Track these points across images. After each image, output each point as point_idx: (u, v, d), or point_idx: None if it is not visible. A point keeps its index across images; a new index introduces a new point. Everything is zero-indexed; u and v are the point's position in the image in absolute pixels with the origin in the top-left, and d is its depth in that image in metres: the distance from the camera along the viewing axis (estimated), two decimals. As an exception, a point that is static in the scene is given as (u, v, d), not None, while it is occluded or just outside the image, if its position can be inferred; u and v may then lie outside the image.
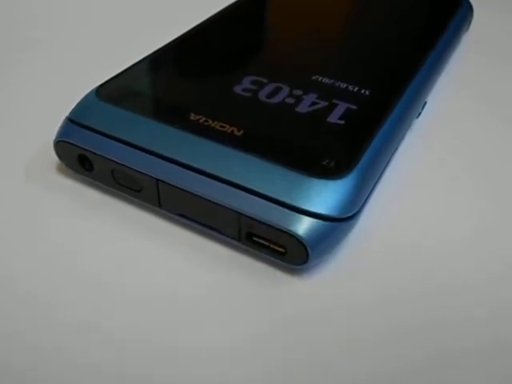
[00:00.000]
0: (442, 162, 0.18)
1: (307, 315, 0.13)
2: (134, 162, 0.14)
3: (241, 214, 0.13)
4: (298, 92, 0.16)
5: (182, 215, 0.14)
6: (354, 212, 0.13)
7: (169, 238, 0.15)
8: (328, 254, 0.14)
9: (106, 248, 0.14)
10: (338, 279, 0.14)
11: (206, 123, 0.15)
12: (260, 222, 0.13)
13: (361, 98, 0.16)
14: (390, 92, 0.17)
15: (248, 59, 0.19)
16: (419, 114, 0.18)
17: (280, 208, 0.13)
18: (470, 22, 0.24)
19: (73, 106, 0.16)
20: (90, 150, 0.15)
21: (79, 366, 0.12)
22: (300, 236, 0.13)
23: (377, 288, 0.14)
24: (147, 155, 0.14)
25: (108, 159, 0.14)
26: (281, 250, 0.13)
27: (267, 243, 0.13)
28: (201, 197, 0.13)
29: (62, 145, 0.15)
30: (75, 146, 0.15)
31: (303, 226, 0.13)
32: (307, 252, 0.13)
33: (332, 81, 0.17)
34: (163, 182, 0.14)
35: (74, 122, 0.15)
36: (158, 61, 0.18)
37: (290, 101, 0.16)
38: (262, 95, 0.16)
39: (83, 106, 0.15)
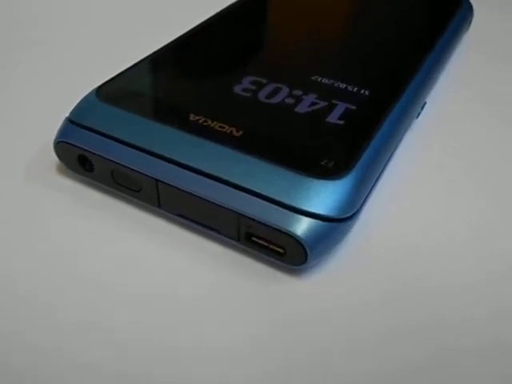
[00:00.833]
0: (442, 163, 0.18)
1: (306, 315, 0.13)
2: (134, 163, 0.14)
3: (240, 214, 0.13)
4: (298, 92, 0.16)
5: (181, 215, 0.14)
6: (352, 212, 0.13)
7: (169, 238, 0.15)
8: (327, 254, 0.14)
9: (106, 248, 0.14)
10: (337, 279, 0.14)
11: (205, 123, 0.15)
12: (259, 222, 0.13)
13: (360, 99, 0.16)
14: (389, 92, 0.17)
15: (248, 59, 0.19)
16: (419, 114, 0.18)
17: (279, 208, 0.13)
18: (470, 22, 0.24)
19: (73, 106, 0.16)
20: (90, 150, 0.15)
21: (79, 366, 0.12)
22: (298, 236, 0.13)
23: (376, 288, 0.14)
24: (147, 156, 0.14)
25: (108, 160, 0.14)
26: (280, 250, 0.13)
27: (266, 243, 0.13)
28: (200, 197, 0.13)
29: (61, 145, 0.15)
30: (75, 146, 0.15)
31: (302, 227, 0.13)
32: (306, 252, 0.13)
33: (331, 81, 0.17)
34: (162, 182, 0.14)
35: (73, 122, 0.15)
36: (157, 61, 0.18)
37: (290, 101, 0.16)
38: (262, 95, 0.16)
39: (83, 107, 0.15)
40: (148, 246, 0.14)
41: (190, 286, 0.14)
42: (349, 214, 0.13)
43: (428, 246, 0.15)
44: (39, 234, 0.15)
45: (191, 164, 0.14)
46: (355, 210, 0.14)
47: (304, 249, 0.13)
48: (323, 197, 0.13)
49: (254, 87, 0.17)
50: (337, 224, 0.13)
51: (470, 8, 0.24)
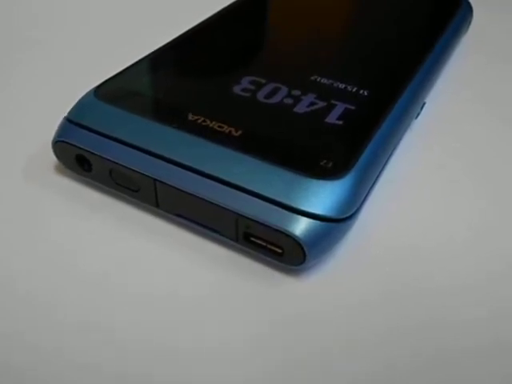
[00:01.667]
0: (441, 163, 0.18)
1: (306, 315, 0.13)
2: (132, 162, 0.14)
3: (238, 214, 0.13)
4: (297, 92, 0.16)
5: (179, 215, 0.14)
6: (351, 212, 0.13)
7: (167, 239, 0.15)
8: (325, 254, 0.14)
9: (105, 248, 0.14)
10: (335, 279, 0.14)
11: (204, 123, 0.15)
12: (257, 222, 0.13)
13: (359, 99, 0.16)
14: (388, 92, 0.17)
15: (247, 59, 0.19)
16: (418, 114, 0.18)
17: (277, 208, 0.13)
18: (469, 23, 0.24)
19: (71, 105, 0.16)
20: (88, 150, 0.15)
21: (79, 366, 0.12)
22: (297, 236, 0.13)
23: (375, 288, 0.14)
24: (145, 155, 0.14)
25: (106, 159, 0.14)
26: (278, 250, 0.13)
27: (265, 244, 0.13)
28: (198, 197, 0.13)
29: (60, 145, 0.15)
30: (73, 146, 0.15)
31: (300, 227, 0.13)
32: (304, 253, 0.13)
33: (330, 81, 0.17)
34: (161, 182, 0.14)
35: (72, 122, 0.15)
36: (156, 61, 0.18)
37: (289, 101, 0.16)
38: (261, 95, 0.16)
39: (81, 106, 0.15)
40: (147, 246, 0.14)
41: (189, 287, 0.14)
42: (348, 214, 0.13)
43: (428, 246, 0.15)
44: (38, 233, 0.15)
45: (189, 164, 0.14)
46: (354, 210, 0.14)
47: (303, 249, 0.13)
48: (322, 197, 0.13)
49: (252, 87, 0.17)
50: (336, 224, 0.13)
51: (469, 8, 0.24)
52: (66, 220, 0.15)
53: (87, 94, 0.16)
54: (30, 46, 0.23)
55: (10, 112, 0.19)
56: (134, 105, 0.15)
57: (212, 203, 0.13)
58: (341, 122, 0.15)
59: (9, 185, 0.16)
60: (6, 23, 0.25)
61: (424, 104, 0.19)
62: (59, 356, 0.12)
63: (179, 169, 0.14)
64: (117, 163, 0.14)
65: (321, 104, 0.16)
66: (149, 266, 0.14)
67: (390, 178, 0.16)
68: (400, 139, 0.17)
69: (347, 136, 0.15)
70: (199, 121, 0.15)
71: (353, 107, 0.16)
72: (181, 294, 0.13)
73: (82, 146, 0.15)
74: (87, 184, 0.16)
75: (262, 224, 0.13)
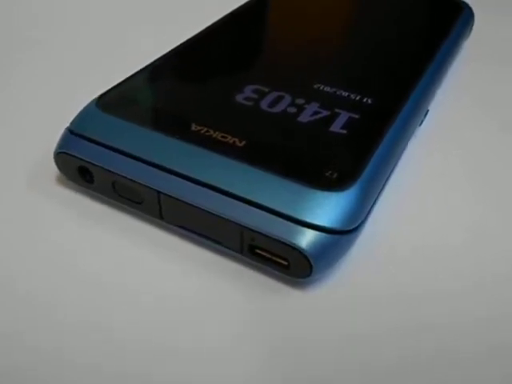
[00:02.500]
0: (446, 170, 0.18)
1: (311, 328, 0.13)
2: (135, 174, 0.14)
3: (243, 226, 0.13)
4: (300, 101, 0.16)
5: (183, 227, 0.14)
6: (357, 224, 0.13)
7: (171, 250, 0.15)
8: (332, 266, 0.14)
9: (107, 259, 0.14)
10: (341, 292, 0.14)
11: (207, 134, 0.15)
12: (262, 234, 0.13)
13: (363, 107, 0.16)
14: (392, 100, 0.17)
15: (249, 68, 0.19)
16: (422, 121, 0.18)
17: (282, 220, 0.13)
18: (471, 28, 0.24)
19: (74, 114, 0.15)
20: (91, 161, 0.15)
21: (79, 366, 0.12)
22: (303, 249, 0.12)
23: (381, 300, 0.14)
24: (148, 167, 0.14)
25: (109, 171, 0.14)
26: (284, 262, 0.13)
27: (270, 256, 0.13)
28: (202, 209, 0.13)
29: (62, 156, 0.15)
30: (75, 157, 0.15)
31: (306, 239, 0.13)
32: (311, 265, 0.13)
33: (334, 89, 0.17)
34: (165, 194, 0.14)
35: (74, 133, 0.15)
36: (158, 70, 0.18)
37: (292, 110, 0.16)
38: (264, 104, 0.16)
39: (83, 117, 0.15)
40: (149, 258, 0.14)
41: (192, 298, 0.13)
42: (353, 226, 0.13)
43: (434, 256, 0.15)
44: (39, 243, 0.15)
45: (193, 175, 0.14)
46: (360, 221, 0.13)
47: (309, 261, 0.13)
48: (327, 209, 0.13)
49: (255, 96, 0.16)
50: (341, 236, 0.13)
51: (470, 14, 0.24)
52: (67, 231, 0.15)
53: (89, 105, 0.16)
54: (31, 49, 0.23)
55: (10, 120, 0.19)
56: (137, 115, 0.15)
57: (217, 215, 0.13)
58: (345, 131, 0.15)
59: (10, 196, 0.16)
60: (6, 24, 0.24)
61: (427, 111, 0.18)
62: (59, 356, 0.12)
63: (183, 180, 0.14)
64: (120, 175, 0.14)
65: (324, 113, 0.16)
66: (151, 277, 0.14)
67: (395, 187, 0.16)
68: (405, 147, 0.17)
69: (352, 145, 0.15)
70: (202, 131, 0.15)
71: (357, 116, 0.16)
72: (183, 305, 0.13)
73: (84, 158, 0.15)
74: (89, 195, 0.16)
75: (267, 236, 0.13)
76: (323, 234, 0.13)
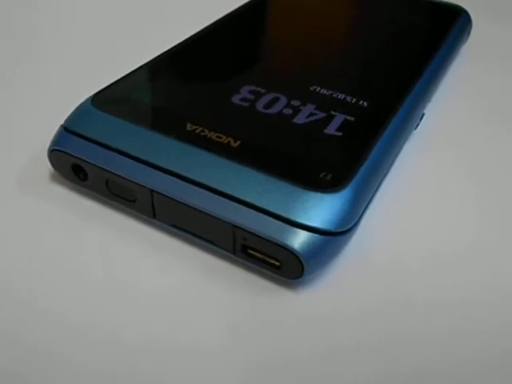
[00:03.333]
0: (441, 174, 0.18)
1: (302, 329, 0.13)
2: (129, 172, 0.14)
3: (236, 226, 0.13)
4: (296, 103, 0.16)
5: (176, 226, 0.14)
6: (350, 226, 0.13)
7: (162, 249, 0.15)
8: (324, 267, 0.14)
9: (100, 256, 0.14)
10: (333, 293, 0.14)
11: (202, 133, 0.15)
12: (255, 234, 0.13)
13: (359, 110, 0.16)
14: (387, 104, 0.17)
15: (246, 69, 0.19)
16: (417, 125, 0.18)
17: (275, 221, 0.13)
18: (468, 33, 0.24)
19: (69, 112, 0.15)
20: (84, 159, 0.14)
21: (79, 366, 0.12)
22: (295, 250, 0.12)
23: (373, 301, 0.14)
24: (142, 165, 0.14)
25: (102, 169, 0.14)
26: (276, 263, 0.13)
27: (262, 256, 0.13)
28: (195, 208, 0.13)
29: (55, 153, 0.15)
30: (69, 155, 0.15)
31: (299, 240, 0.13)
32: (303, 266, 0.13)
33: (330, 92, 0.17)
34: (158, 192, 0.14)
35: (68, 130, 0.15)
36: (154, 70, 0.18)
37: (288, 112, 0.16)
38: (260, 105, 0.16)
39: (78, 115, 0.15)
40: (142, 257, 0.14)
41: (183, 298, 0.13)
42: (346, 228, 0.13)
43: (427, 258, 0.15)
44: (32, 242, 0.15)
45: (187, 174, 0.14)
46: (353, 223, 0.13)
47: (301, 262, 0.13)
48: (321, 210, 0.13)
49: (252, 97, 0.16)
50: (334, 237, 0.13)
51: (468, 19, 0.24)
52: (60, 228, 0.15)
53: (84, 102, 0.16)
54: (26, 52, 0.23)
55: (4, 118, 0.19)
56: (132, 114, 0.15)
57: (210, 215, 0.13)
58: (340, 133, 0.15)
59: (3, 193, 0.16)
60: (2, 29, 0.24)
61: (423, 115, 0.18)
62: (59, 356, 0.12)
63: (177, 179, 0.14)
64: (113, 173, 0.14)
65: (320, 115, 0.16)
66: (142, 275, 0.14)
67: (389, 189, 0.16)
68: (399, 151, 0.17)
69: (346, 147, 0.15)
70: (197, 131, 0.15)
71: (352, 118, 0.16)
72: (174, 304, 0.13)
73: (78, 155, 0.15)
74: (83, 193, 0.16)
75: (259, 236, 0.13)
76: (316, 235, 0.13)
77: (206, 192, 0.13)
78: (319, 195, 0.13)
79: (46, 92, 0.20)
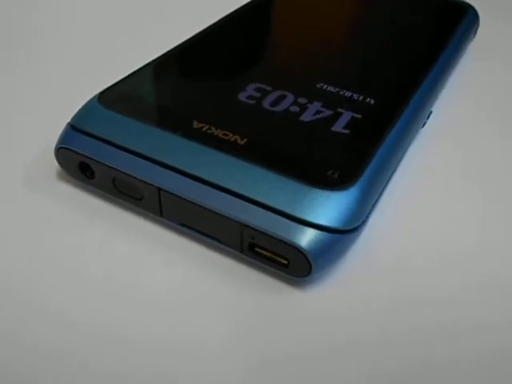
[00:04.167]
0: (448, 172, 0.18)
1: (309, 327, 0.13)
2: (136, 170, 0.14)
3: (243, 224, 0.13)
4: (303, 100, 0.16)
5: (183, 225, 0.14)
6: (358, 224, 0.13)
7: (169, 247, 0.14)
8: (331, 266, 0.14)
9: (106, 255, 0.14)
10: (341, 291, 0.14)
11: (209, 131, 0.15)
12: (262, 233, 0.13)
13: (366, 107, 0.16)
14: (395, 101, 0.17)
15: (252, 66, 0.19)
16: (424, 123, 0.18)
17: (283, 219, 0.13)
18: (475, 30, 0.24)
19: (75, 110, 0.15)
20: (91, 157, 0.14)
21: (79, 366, 0.12)
22: (303, 248, 0.12)
23: (381, 300, 0.14)
24: (149, 163, 0.14)
25: (109, 167, 0.14)
26: (283, 261, 0.13)
27: (269, 254, 0.13)
28: (203, 206, 0.13)
29: (62, 152, 0.15)
30: (76, 153, 0.15)
31: (306, 238, 0.12)
32: (310, 264, 0.13)
33: (337, 89, 0.17)
34: (165, 190, 0.14)
35: (75, 128, 0.15)
36: (161, 67, 0.18)
37: (295, 109, 0.16)
38: (266, 103, 0.16)
39: (85, 113, 0.15)
40: (148, 255, 0.14)
41: (191, 297, 0.13)
42: (354, 226, 0.13)
43: (434, 257, 0.15)
44: (39, 240, 0.15)
45: (194, 172, 0.13)
46: (361, 221, 0.13)
47: (308, 260, 0.13)
48: (328, 208, 0.13)
49: (258, 94, 0.16)
50: (342, 235, 0.13)
51: (475, 16, 0.24)
52: (67, 227, 0.15)
53: (91, 100, 0.16)
54: (32, 45, 0.23)
55: (11, 116, 0.19)
56: (139, 111, 0.15)
57: (217, 213, 0.13)
58: (347, 131, 0.15)
59: (8, 191, 0.16)
60: (7, 24, 0.24)
61: (431, 113, 0.18)
62: (59, 356, 0.12)
63: (184, 177, 0.13)
64: (120, 171, 0.14)
65: (327, 112, 0.16)
66: (149, 273, 0.14)
67: (397, 187, 0.16)
68: (407, 149, 0.17)
69: (354, 145, 0.15)
70: (204, 128, 0.15)
71: (359, 116, 0.16)
72: (180, 302, 0.13)
73: (84, 153, 0.15)
74: (89, 191, 0.16)
75: (267, 235, 0.13)
76: (323, 233, 0.13)
77: (214, 190, 0.13)
78: (327, 193, 0.13)
79: (53, 90, 0.20)
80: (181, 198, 0.13)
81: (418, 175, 0.17)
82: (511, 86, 0.22)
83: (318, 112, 0.16)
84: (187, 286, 0.14)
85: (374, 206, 0.14)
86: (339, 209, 0.13)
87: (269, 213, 0.13)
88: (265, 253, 0.13)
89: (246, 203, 0.13)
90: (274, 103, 0.16)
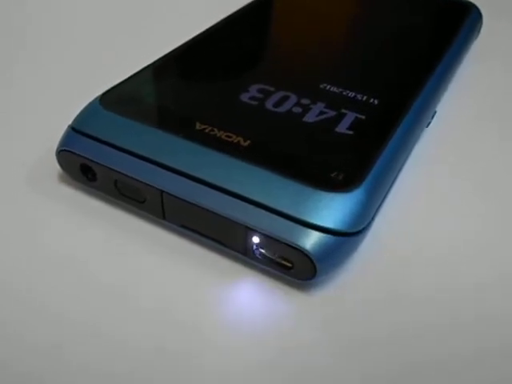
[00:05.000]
0: (453, 173, 0.17)
1: (314, 330, 0.13)
2: (138, 173, 0.14)
3: (247, 227, 0.13)
4: (306, 101, 0.16)
5: (186, 227, 0.14)
6: (363, 226, 0.13)
7: (173, 251, 0.14)
8: (336, 268, 0.13)
9: (108, 258, 0.14)
10: (345, 294, 0.14)
11: (211, 133, 0.14)
12: (266, 235, 0.13)
13: (369, 108, 0.16)
14: (399, 101, 0.17)
15: (255, 67, 0.19)
16: (429, 123, 0.18)
17: (287, 221, 0.13)
18: (479, 30, 0.23)
19: (76, 112, 0.15)
20: (93, 159, 0.14)
21: (79, 366, 0.12)
22: (307, 250, 0.12)
23: (386, 303, 0.13)
24: (151, 165, 0.14)
25: (111, 169, 0.14)
26: (288, 264, 0.13)
27: (274, 257, 0.13)
28: (206, 209, 0.13)
29: (64, 154, 0.15)
30: (78, 155, 0.15)
31: (311, 241, 0.12)
32: (315, 267, 0.12)
33: (340, 89, 0.17)
34: (167, 193, 0.14)
35: (76, 130, 0.15)
36: (162, 68, 0.18)
37: (298, 110, 0.16)
38: (269, 104, 0.16)
39: (86, 115, 0.15)
40: (151, 258, 0.14)
41: (193, 300, 0.13)
42: (359, 228, 0.13)
43: (439, 258, 0.15)
44: (40, 242, 0.14)
45: (197, 174, 0.13)
46: (365, 223, 0.13)
47: (313, 263, 0.12)
48: (333, 210, 0.13)
49: (261, 95, 0.16)
50: (347, 238, 0.13)
51: (479, 15, 0.23)
52: (69, 229, 0.15)
53: (92, 102, 0.15)
54: (33, 46, 0.23)
55: (12, 118, 0.19)
56: (140, 113, 0.15)
57: (220, 216, 0.13)
58: (351, 132, 0.15)
59: (12, 194, 0.16)
60: (7, 26, 0.24)
61: (435, 113, 0.18)
62: (59, 356, 0.12)
63: (186, 180, 0.13)
64: (122, 173, 0.14)
65: (331, 113, 0.16)
66: (152, 277, 0.14)
67: (401, 189, 0.16)
68: (411, 149, 0.17)
69: (358, 146, 0.15)
70: (207, 130, 0.14)
71: (363, 116, 0.16)
72: (184, 305, 0.13)
73: (86, 156, 0.14)
74: (91, 194, 0.16)
75: (271, 237, 0.13)
76: (328, 236, 0.12)
77: (217, 192, 0.13)
78: (331, 195, 0.13)
79: (54, 93, 0.20)
80: (184, 200, 0.13)
81: (424, 176, 0.17)
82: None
83: (321, 113, 0.16)
84: (189, 288, 0.14)
85: (379, 207, 0.14)
86: (344, 211, 0.13)
87: (272, 215, 0.13)
88: (269, 255, 0.13)
89: (250, 206, 0.13)
90: (277, 104, 0.16)
